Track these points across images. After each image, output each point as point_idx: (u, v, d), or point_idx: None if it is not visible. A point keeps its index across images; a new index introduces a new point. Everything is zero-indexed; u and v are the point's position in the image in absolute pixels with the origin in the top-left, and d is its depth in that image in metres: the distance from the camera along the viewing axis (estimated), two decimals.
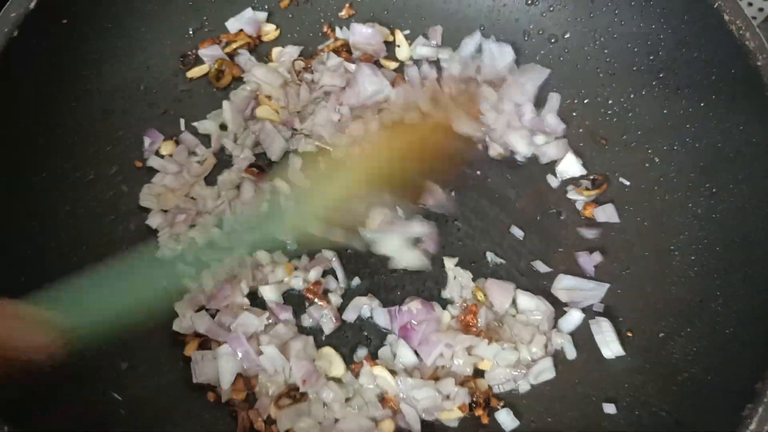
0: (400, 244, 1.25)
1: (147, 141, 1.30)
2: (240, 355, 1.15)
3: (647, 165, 1.28)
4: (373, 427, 1.14)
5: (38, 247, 1.12)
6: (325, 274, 1.25)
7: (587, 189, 1.31)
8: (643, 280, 1.23)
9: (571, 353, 1.20)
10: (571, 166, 1.33)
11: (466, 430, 1.16)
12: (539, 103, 1.37)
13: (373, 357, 1.20)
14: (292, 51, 1.40)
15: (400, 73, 1.40)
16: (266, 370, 1.16)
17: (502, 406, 1.17)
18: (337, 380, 1.18)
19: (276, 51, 1.41)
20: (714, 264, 1.15)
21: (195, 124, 1.34)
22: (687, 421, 1.05)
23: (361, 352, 1.21)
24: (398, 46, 1.42)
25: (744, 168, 1.12)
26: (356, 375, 1.18)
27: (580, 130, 1.36)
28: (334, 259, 1.26)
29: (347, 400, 1.16)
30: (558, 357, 1.21)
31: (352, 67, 1.37)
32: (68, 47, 1.18)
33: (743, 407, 0.94)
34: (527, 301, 1.22)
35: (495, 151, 1.35)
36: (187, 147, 1.33)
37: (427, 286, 1.26)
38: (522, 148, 1.34)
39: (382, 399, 1.17)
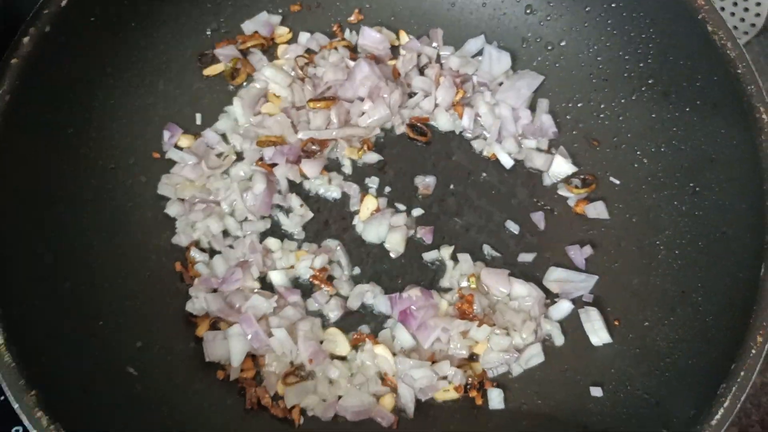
0: (387, 231, 1.33)
1: (167, 134, 1.37)
2: (250, 335, 1.22)
3: (636, 165, 1.35)
4: (374, 403, 1.21)
5: (63, 229, 1.19)
6: (330, 262, 1.32)
7: (577, 187, 1.37)
8: (630, 272, 1.30)
9: (559, 339, 1.27)
10: (561, 167, 1.39)
11: (461, 411, 1.23)
12: (531, 107, 1.44)
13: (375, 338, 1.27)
14: (296, 48, 1.48)
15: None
16: (275, 350, 1.22)
17: (495, 387, 1.24)
18: (342, 359, 1.25)
19: (282, 48, 1.49)
20: (696, 258, 1.22)
21: (211, 129, 1.41)
22: (666, 402, 1.12)
23: (364, 328, 1.28)
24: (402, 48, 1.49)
25: (725, 169, 1.19)
26: (356, 347, 1.25)
27: (574, 132, 1.43)
28: (338, 248, 1.33)
29: (350, 376, 1.23)
30: (548, 343, 1.28)
31: (352, 63, 1.43)
32: (95, 43, 1.26)
33: (718, 387, 1.01)
34: (519, 287, 1.29)
35: (489, 151, 1.42)
36: (207, 142, 1.40)
37: (426, 275, 1.33)
38: (513, 151, 1.41)
39: (382, 377, 1.24)
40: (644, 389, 1.16)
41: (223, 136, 1.41)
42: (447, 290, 1.31)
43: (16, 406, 0.92)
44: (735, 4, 1.58)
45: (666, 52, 1.29)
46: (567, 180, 1.39)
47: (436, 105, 1.44)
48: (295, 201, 1.35)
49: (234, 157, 1.39)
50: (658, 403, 1.12)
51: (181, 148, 1.38)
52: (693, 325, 1.16)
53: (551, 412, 1.21)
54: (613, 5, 1.34)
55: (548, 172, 1.40)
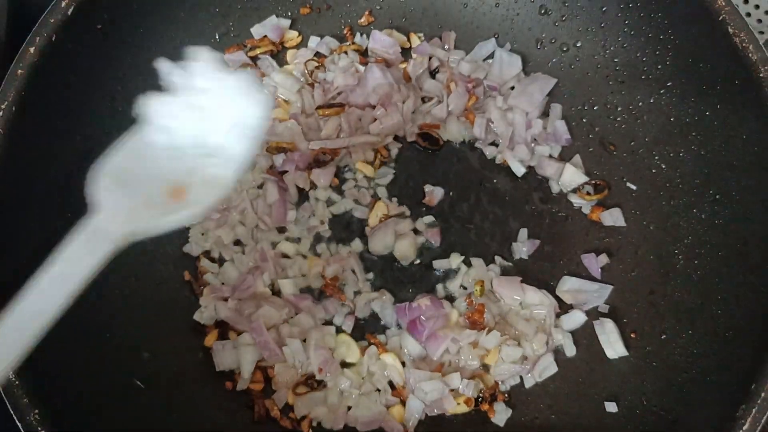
0: (394, 240, 1.30)
1: None
2: (260, 345, 1.21)
3: (654, 171, 1.31)
4: (384, 413, 1.20)
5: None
6: (342, 271, 1.30)
7: (588, 194, 1.34)
8: (647, 282, 1.26)
9: (570, 350, 1.24)
10: (572, 177, 1.35)
11: (472, 425, 1.21)
12: (544, 112, 1.41)
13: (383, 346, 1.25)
14: (305, 53, 1.45)
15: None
16: (286, 360, 1.21)
17: (506, 401, 1.21)
18: (352, 366, 1.24)
19: (291, 53, 1.46)
20: (716, 268, 1.18)
21: None
22: (684, 420, 1.09)
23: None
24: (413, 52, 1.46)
25: (746, 176, 1.15)
26: (363, 353, 1.23)
27: (590, 136, 1.38)
28: (349, 256, 1.31)
29: (361, 385, 1.22)
30: (561, 355, 1.25)
31: (362, 68, 1.40)
32: (103, 51, 1.24)
33: (738, 408, 0.98)
34: (532, 295, 1.26)
35: (501, 158, 1.38)
36: None
37: (436, 283, 1.30)
38: (525, 159, 1.37)
39: (393, 387, 1.22)
40: (661, 406, 1.13)
41: None
42: (455, 296, 1.29)
43: (19, 425, 0.92)
44: (757, 7, 1.53)
45: (685, 54, 1.24)
46: (578, 186, 1.35)
47: (449, 113, 1.40)
48: (321, 210, 1.34)
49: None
50: (675, 421, 1.09)
51: None
52: (712, 339, 1.12)
53: (564, 426, 1.18)
54: (630, 5, 1.29)
55: (558, 181, 1.36)
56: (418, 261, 1.32)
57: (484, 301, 1.26)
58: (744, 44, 1.11)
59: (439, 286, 1.30)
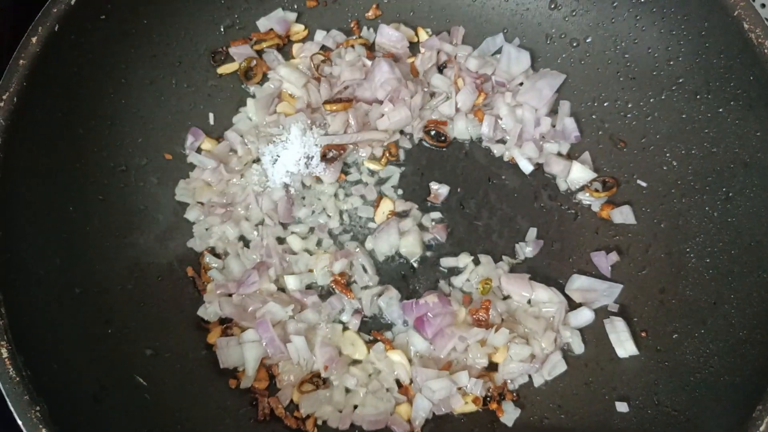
0: (398, 239, 1.29)
1: (190, 138, 1.34)
2: (265, 341, 1.19)
3: (665, 168, 1.29)
4: (391, 412, 1.18)
5: (73, 231, 1.17)
6: (351, 266, 1.29)
7: (597, 191, 1.32)
8: (658, 281, 1.24)
9: (578, 348, 1.23)
10: (580, 175, 1.33)
11: (480, 425, 1.19)
12: (553, 109, 1.39)
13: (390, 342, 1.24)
14: (312, 46, 1.44)
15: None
16: (291, 357, 1.19)
17: (515, 400, 1.19)
18: (358, 363, 1.22)
19: (297, 46, 1.45)
20: (728, 267, 1.16)
21: (232, 130, 1.37)
22: (697, 421, 1.07)
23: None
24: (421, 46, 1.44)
25: (759, 173, 1.14)
26: (370, 351, 1.21)
27: (600, 133, 1.37)
28: (357, 250, 1.29)
29: (367, 383, 1.20)
30: (570, 355, 1.23)
31: (369, 62, 1.38)
32: (106, 41, 1.22)
33: (753, 409, 0.96)
34: (541, 292, 1.25)
35: (509, 155, 1.37)
36: (230, 144, 1.36)
37: (441, 280, 1.29)
38: (533, 156, 1.35)
39: (399, 385, 1.20)
40: (673, 406, 1.11)
41: (241, 137, 1.37)
42: (460, 290, 1.28)
43: (20, 422, 0.90)
44: (763, 5, 1.52)
45: (698, 49, 1.22)
46: (587, 183, 1.34)
47: (457, 110, 1.38)
48: (332, 209, 1.32)
49: (251, 159, 1.36)
50: (688, 421, 1.07)
51: (199, 151, 1.35)
52: (725, 338, 1.11)
53: (574, 427, 1.16)
54: (642, 0, 1.28)
55: (566, 179, 1.34)
56: (425, 256, 1.30)
57: (490, 298, 1.24)
58: (759, 40, 1.09)
59: (445, 283, 1.28)
